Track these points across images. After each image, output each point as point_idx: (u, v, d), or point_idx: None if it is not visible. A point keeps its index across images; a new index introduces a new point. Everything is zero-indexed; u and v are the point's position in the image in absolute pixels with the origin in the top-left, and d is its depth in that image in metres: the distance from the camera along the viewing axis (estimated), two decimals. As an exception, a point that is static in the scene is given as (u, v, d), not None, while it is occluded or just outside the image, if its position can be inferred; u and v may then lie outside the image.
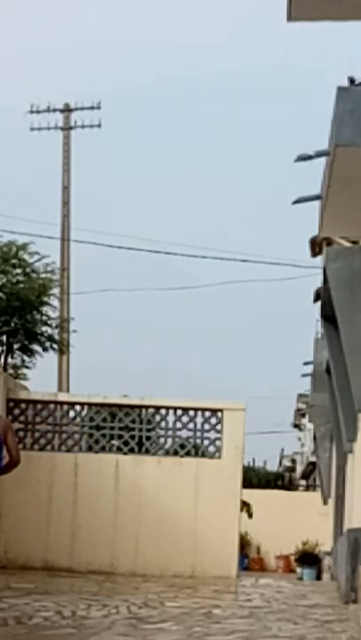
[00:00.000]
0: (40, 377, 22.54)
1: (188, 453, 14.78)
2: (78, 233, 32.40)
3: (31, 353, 19.37)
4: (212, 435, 14.67)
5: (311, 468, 38.43)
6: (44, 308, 19.04)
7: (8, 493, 14.29)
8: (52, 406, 14.94)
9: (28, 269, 19.04)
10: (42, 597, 9.98)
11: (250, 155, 72.34)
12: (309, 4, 9.80)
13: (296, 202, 11.02)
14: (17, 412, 14.83)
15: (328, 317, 12.69)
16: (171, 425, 14.80)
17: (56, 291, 20.34)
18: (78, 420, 14.95)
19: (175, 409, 14.81)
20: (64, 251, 32.16)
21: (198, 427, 14.73)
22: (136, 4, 65.69)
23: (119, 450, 14.85)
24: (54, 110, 34.03)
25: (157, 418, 14.97)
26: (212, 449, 14.71)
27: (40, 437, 14.81)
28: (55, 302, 20.23)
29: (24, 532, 14.29)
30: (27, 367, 20.05)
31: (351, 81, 9.44)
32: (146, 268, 59.03)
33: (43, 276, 19.16)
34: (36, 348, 19.29)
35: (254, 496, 25.54)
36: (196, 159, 70.40)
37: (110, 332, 57.68)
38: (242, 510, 16.13)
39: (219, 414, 14.68)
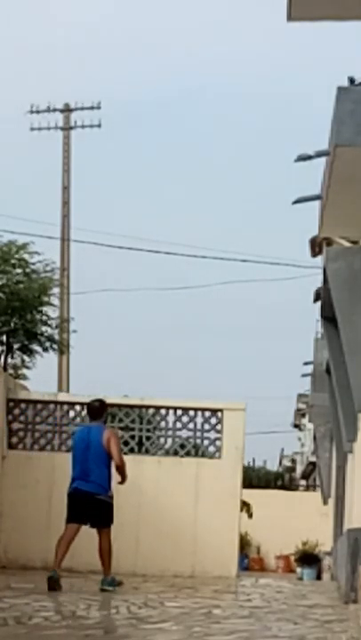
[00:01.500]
0: (40, 377, 22.56)
1: (188, 453, 14.78)
2: (78, 233, 32.47)
3: (31, 353, 19.38)
4: (212, 435, 14.67)
5: (311, 468, 38.44)
6: (44, 308, 19.05)
7: (8, 493, 14.30)
8: (51, 406, 14.94)
9: (27, 269, 19.04)
10: (42, 597, 9.98)
11: (250, 155, 72.37)
12: (309, 4, 9.79)
13: (296, 202, 11.02)
14: (17, 411, 14.83)
15: (328, 317, 12.69)
16: (171, 425, 14.80)
17: (56, 290, 20.36)
18: (78, 420, 14.95)
19: (175, 409, 14.81)
20: (64, 251, 32.19)
21: (198, 427, 14.73)
22: (136, 4, 65.71)
23: (119, 450, 14.84)
24: (54, 110, 34.05)
25: (157, 418, 14.98)
26: (212, 449, 14.71)
27: (40, 437, 14.81)
28: (55, 302, 20.26)
29: (24, 532, 14.29)
30: (27, 367, 20.08)
31: (351, 81, 9.44)
32: (145, 267, 59.04)
33: (43, 275, 19.16)
34: (36, 348, 19.30)
35: (254, 496, 25.53)
36: (196, 159, 70.43)
37: (110, 332, 57.73)
38: (242, 510, 16.14)
39: (219, 414, 14.67)
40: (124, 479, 11.86)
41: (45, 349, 19.43)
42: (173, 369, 59.09)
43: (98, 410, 11.99)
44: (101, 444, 11.55)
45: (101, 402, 12.21)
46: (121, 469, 11.73)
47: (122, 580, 11.73)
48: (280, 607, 10.18)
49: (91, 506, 11.63)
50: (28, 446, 14.74)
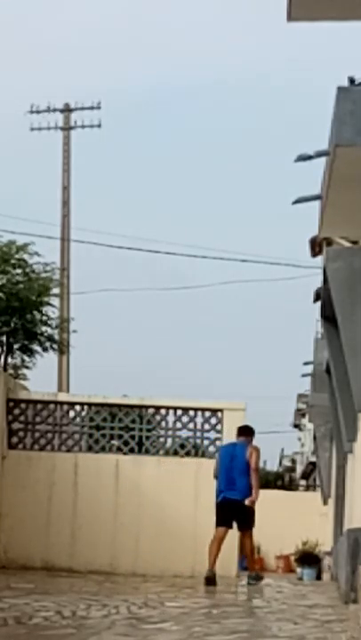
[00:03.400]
0: (40, 377, 22.56)
1: (188, 453, 14.78)
2: (78, 233, 32.49)
3: (31, 353, 19.38)
4: (212, 435, 14.67)
5: (311, 468, 38.45)
6: (44, 308, 19.05)
7: (8, 493, 14.30)
8: (52, 406, 14.94)
9: (27, 269, 19.04)
10: (42, 597, 9.97)
11: (250, 155, 72.40)
12: (309, 4, 9.77)
13: (296, 202, 11.01)
14: (17, 411, 14.83)
15: (328, 317, 12.68)
16: (171, 425, 14.80)
17: (56, 291, 20.36)
18: (78, 420, 14.95)
19: (175, 409, 14.81)
20: (64, 251, 32.20)
21: (198, 427, 14.73)
22: (137, 4, 65.75)
23: (119, 450, 14.85)
24: (54, 110, 34.06)
25: (157, 418, 14.97)
26: (212, 449, 14.70)
27: (40, 437, 14.81)
28: (55, 302, 20.25)
29: (24, 531, 14.30)
30: (27, 367, 20.08)
31: (351, 81, 9.43)
32: (145, 267, 59.06)
33: (43, 276, 19.16)
34: (36, 348, 19.30)
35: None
36: (196, 159, 70.47)
37: (110, 332, 57.74)
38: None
39: (219, 414, 14.67)
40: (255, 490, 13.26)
41: (45, 349, 19.43)
42: (173, 369, 59.10)
43: (248, 431, 13.69)
44: (245, 457, 13.20)
45: (252, 428, 13.99)
46: (256, 478, 13.19)
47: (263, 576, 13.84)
48: (280, 607, 10.18)
49: (237, 510, 13.18)
50: (28, 446, 14.74)
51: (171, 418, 14.81)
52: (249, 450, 13.27)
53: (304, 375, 24.33)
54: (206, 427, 14.70)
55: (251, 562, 13.92)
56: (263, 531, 27.12)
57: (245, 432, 13.63)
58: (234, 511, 13.19)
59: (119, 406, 15.05)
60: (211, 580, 12.50)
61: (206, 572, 12.64)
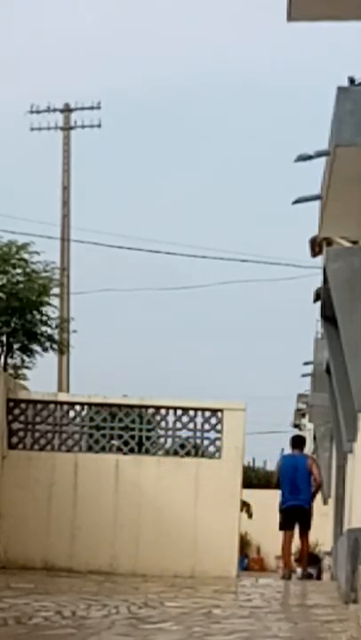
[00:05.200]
0: (40, 377, 22.54)
1: (187, 453, 14.76)
2: (78, 233, 32.47)
3: (31, 353, 19.35)
4: (212, 435, 14.66)
5: (311, 468, 38.32)
6: (44, 308, 19.03)
7: (8, 493, 14.30)
8: (52, 406, 14.93)
9: (28, 269, 19.02)
10: (42, 597, 9.98)
11: (250, 154, 72.38)
12: (309, 4, 9.78)
13: (296, 202, 11.03)
14: (17, 411, 14.83)
15: (328, 317, 12.69)
16: (171, 425, 14.79)
17: (56, 291, 20.34)
18: (78, 420, 14.94)
19: (175, 409, 14.80)
20: (64, 251, 32.21)
21: (198, 427, 14.71)
22: (137, 4, 65.77)
23: (119, 450, 14.84)
24: (54, 110, 34.10)
25: (157, 418, 14.96)
26: (212, 449, 14.70)
27: (40, 437, 14.80)
28: (56, 302, 20.23)
29: (24, 531, 14.29)
30: (27, 367, 20.04)
31: (351, 81, 9.43)
32: (145, 267, 59.03)
33: (43, 275, 19.14)
34: (36, 348, 19.28)
35: (254, 496, 25.48)
36: (195, 159, 70.46)
37: (110, 332, 57.67)
38: (242, 510, 16.15)
39: (219, 414, 14.67)
40: (315, 494, 16.57)
41: (45, 349, 19.41)
42: (173, 369, 59.05)
43: (302, 441, 16.72)
44: (306, 469, 15.95)
45: (303, 436, 17.86)
46: (319, 489, 16.19)
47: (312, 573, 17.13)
48: (280, 607, 10.19)
49: (301, 515, 16.28)
50: (28, 446, 14.73)
51: (171, 418, 14.80)
52: (309, 462, 16.29)
53: (304, 375, 24.34)
54: (206, 427, 14.69)
55: (306, 561, 17.42)
56: (263, 531, 27.30)
57: (301, 444, 16.48)
58: (298, 516, 16.08)
59: (119, 406, 15.04)
60: (288, 576, 15.50)
61: (283, 572, 15.76)
